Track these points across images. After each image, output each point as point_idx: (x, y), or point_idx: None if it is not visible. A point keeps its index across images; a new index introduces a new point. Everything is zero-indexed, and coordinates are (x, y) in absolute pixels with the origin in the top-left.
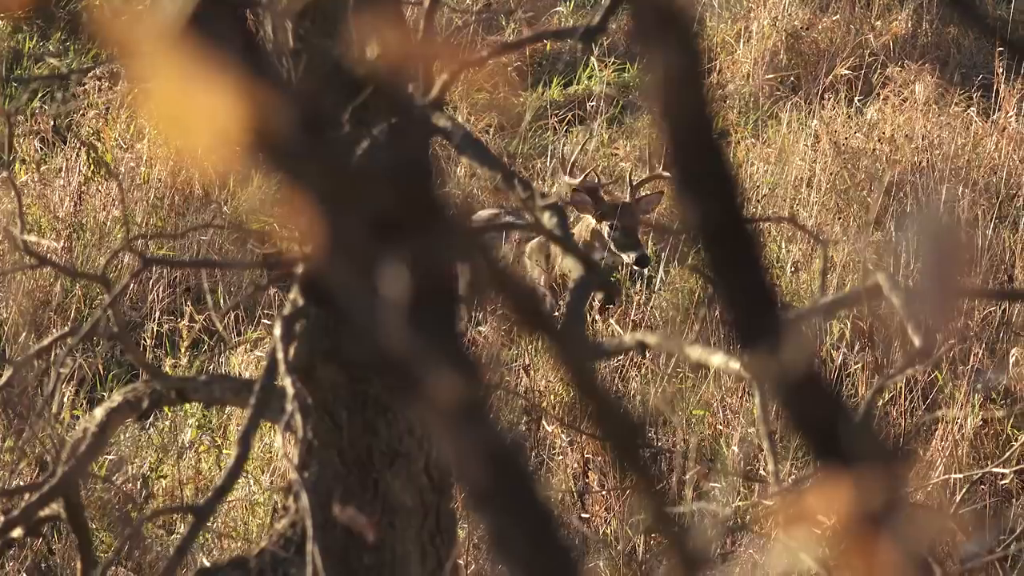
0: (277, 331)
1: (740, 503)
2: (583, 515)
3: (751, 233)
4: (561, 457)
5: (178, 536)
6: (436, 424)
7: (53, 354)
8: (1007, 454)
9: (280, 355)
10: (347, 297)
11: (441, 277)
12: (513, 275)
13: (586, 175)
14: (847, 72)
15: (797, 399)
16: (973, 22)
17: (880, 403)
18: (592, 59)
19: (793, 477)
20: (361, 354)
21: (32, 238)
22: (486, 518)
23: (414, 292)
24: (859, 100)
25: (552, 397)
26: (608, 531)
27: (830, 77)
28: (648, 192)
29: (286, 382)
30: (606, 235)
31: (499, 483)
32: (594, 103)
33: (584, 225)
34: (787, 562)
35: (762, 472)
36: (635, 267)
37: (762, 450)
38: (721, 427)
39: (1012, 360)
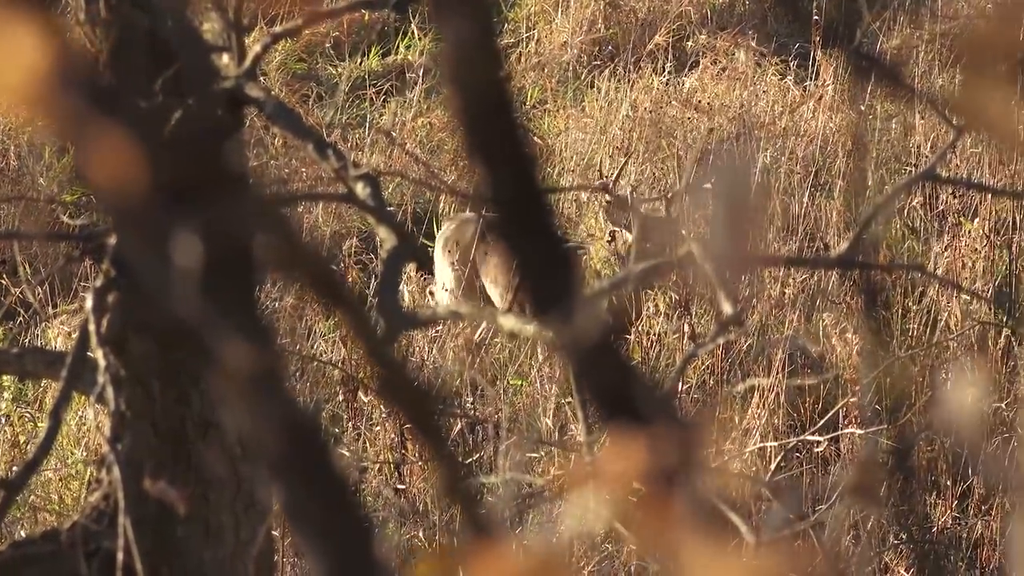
0: (88, 303)
1: (555, 472)
2: (399, 486)
3: (545, 201)
4: (378, 428)
5: None
6: (230, 393)
7: None
8: (822, 422)
9: (92, 327)
10: (141, 266)
11: (237, 247)
12: (310, 246)
13: (617, 175)
14: (665, 41)
15: (590, 365)
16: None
17: (696, 371)
18: (411, 28)
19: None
20: (159, 323)
21: None
22: (281, 488)
23: (209, 261)
24: (676, 69)
25: (370, 368)
26: (427, 501)
27: (648, 46)
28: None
29: (98, 354)
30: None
31: (294, 453)
32: (412, 73)
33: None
34: (578, 520)
35: (578, 440)
36: None
37: (577, 418)
38: (538, 396)
39: (811, 329)
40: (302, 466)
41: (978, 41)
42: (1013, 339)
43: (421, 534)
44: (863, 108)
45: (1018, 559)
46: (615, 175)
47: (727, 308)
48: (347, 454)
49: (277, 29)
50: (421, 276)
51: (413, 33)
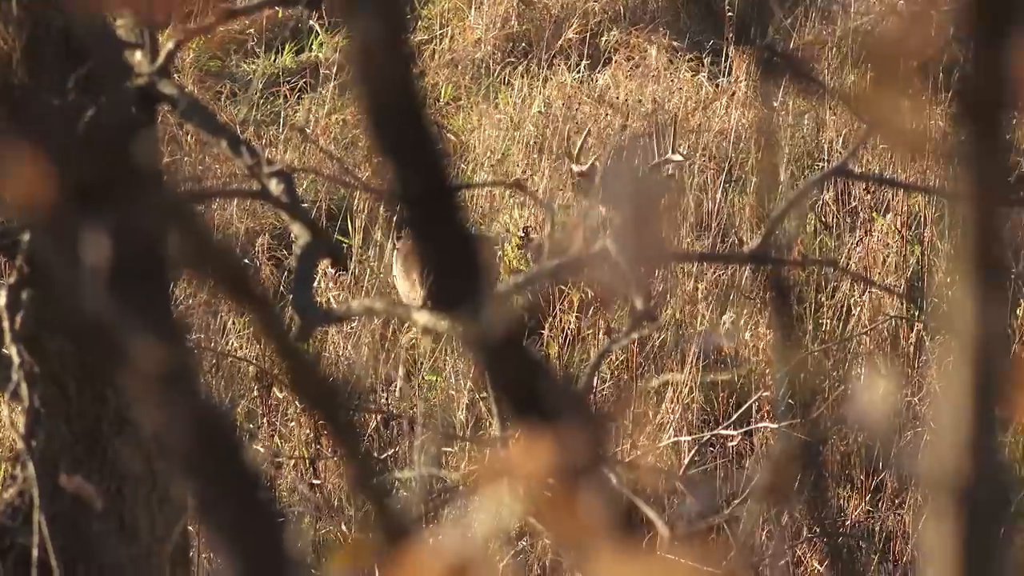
0: (2, 300)
1: (469, 467)
2: (314, 482)
3: (455, 198)
4: (293, 424)
5: None
6: (141, 391)
7: None
8: (735, 416)
9: (6, 324)
10: (51, 264)
11: (148, 245)
12: (219, 243)
13: (593, 160)
14: (578, 37)
15: (499, 360)
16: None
17: (611, 366)
18: (315, 25)
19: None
20: (71, 320)
21: None
22: (192, 484)
23: (118, 259)
24: (590, 66)
25: (280, 364)
26: (341, 497)
27: (560, 42)
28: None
29: (12, 351)
30: None
31: (204, 449)
32: (325, 70)
33: None
34: (492, 516)
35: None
36: None
37: (491, 413)
38: (453, 392)
39: (724, 324)
40: (213, 463)
41: (887, 39)
42: (924, 333)
43: (336, 529)
44: (773, 105)
45: (927, 551)
46: (577, 153)
47: (640, 304)
48: (262, 450)
49: (191, 26)
50: (336, 272)
51: (326, 30)
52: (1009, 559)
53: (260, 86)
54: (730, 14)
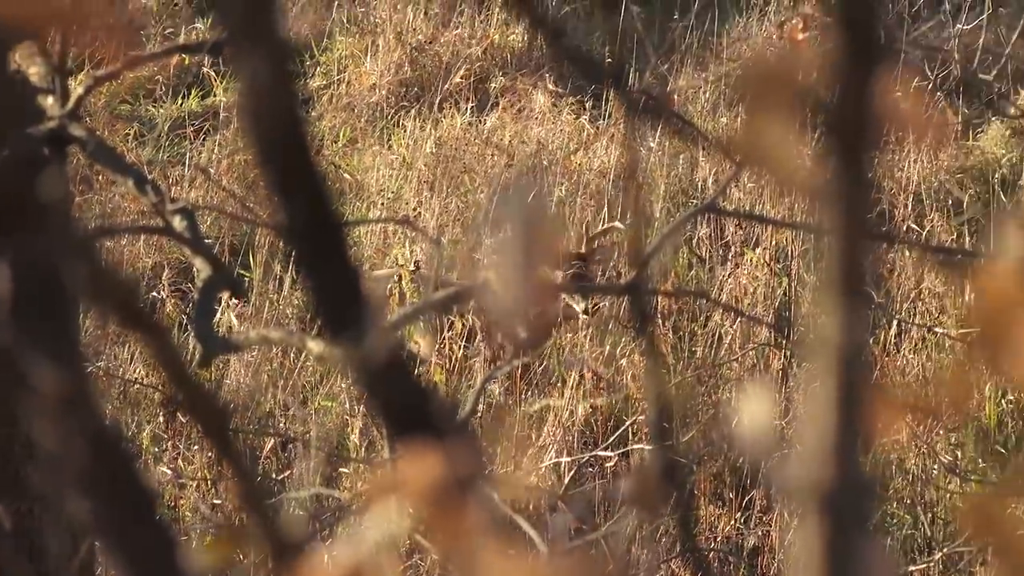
0: None
1: (362, 487)
2: (216, 501)
3: (339, 232)
4: (196, 447)
5: None
6: (41, 414)
7: None
8: (612, 438)
9: None
10: None
11: (50, 276)
12: (118, 276)
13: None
14: (467, 83)
15: (381, 386)
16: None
17: (498, 392)
18: (210, 72)
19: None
20: None
21: None
22: (88, 504)
23: (21, 290)
24: (478, 109)
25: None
26: (243, 516)
27: (450, 87)
28: (602, 243)
29: None
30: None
31: (99, 469)
32: (226, 114)
33: None
34: (380, 531)
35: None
36: (584, 316)
37: (382, 436)
38: (347, 417)
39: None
40: (109, 483)
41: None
42: (790, 360)
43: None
44: (639, 147)
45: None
46: (598, 232)
47: (522, 333)
48: (167, 472)
49: (100, 72)
50: (237, 304)
51: (226, 76)
52: (869, 565)
53: (166, 128)
54: (609, 59)
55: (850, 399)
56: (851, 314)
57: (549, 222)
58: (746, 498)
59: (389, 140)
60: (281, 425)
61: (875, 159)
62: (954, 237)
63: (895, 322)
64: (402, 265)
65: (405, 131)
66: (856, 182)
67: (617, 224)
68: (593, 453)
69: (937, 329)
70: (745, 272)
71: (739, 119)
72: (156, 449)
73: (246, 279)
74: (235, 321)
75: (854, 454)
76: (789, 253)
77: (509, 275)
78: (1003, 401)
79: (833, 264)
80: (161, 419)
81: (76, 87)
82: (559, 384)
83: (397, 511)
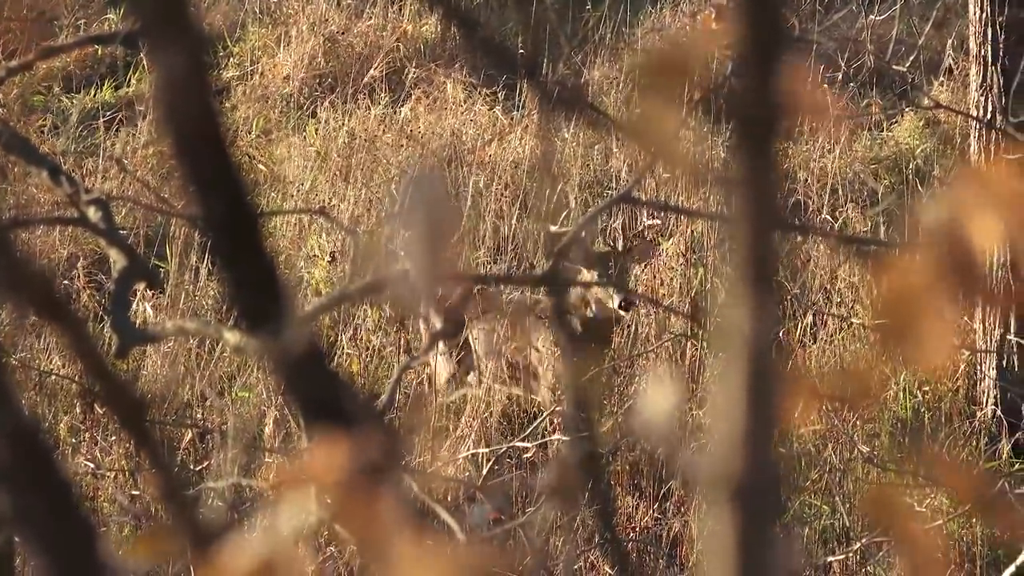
0: None
1: (277, 477)
2: (134, 492)
3: (255, 223)
4: (114, 438)
5: None
6: None
7: None
8: (530, 429)
9: None
10: None
11: None
12: (33, 268)
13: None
14: (381, 74)
15: (298, 377)
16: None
17: (413, 382)
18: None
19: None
20: None
21: None
22: (8, 494)
23: None
24: (392, 100)
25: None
26: (160, 506)
27: (364, 78)
28: (639, 242)
29: None
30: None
31: (18, 460)
32: (140, 106)
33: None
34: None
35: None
36: (620, 309)
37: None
38: (264, 407)
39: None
40: (26, 474)
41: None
42: (705, 351)
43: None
44: (554, 137)
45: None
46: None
47: (438, 323)
48: (84, 462)
49: (12, 63)
50: (153, 296)
51: (140, 68)
52: (780, 552)
53: (80, 119)
54: (522, 51)
55: (761, 389)
56: (761, 304)
57: (456, 212)
58: (664, 488)
59: (303, 131)
60: (198, 416)
61: (782, 149)
62: (869, 227)
63: (810, 312)
64: (316, 255)
65: (319, 122)
66: (763, 171)
67: (655, 221)
68: (511, 444)
69: (852, 320)
70: (660, 263)
71: (635, 106)
72: (74, 440)
73: (162, 270)
74: (151, 312)
75: (766, 444)
76: (704, 243)
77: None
78: (918, 391)
79: (742, 254)
80: (78, 410)
81: None
82: (476, 374)
83: (312, 501)
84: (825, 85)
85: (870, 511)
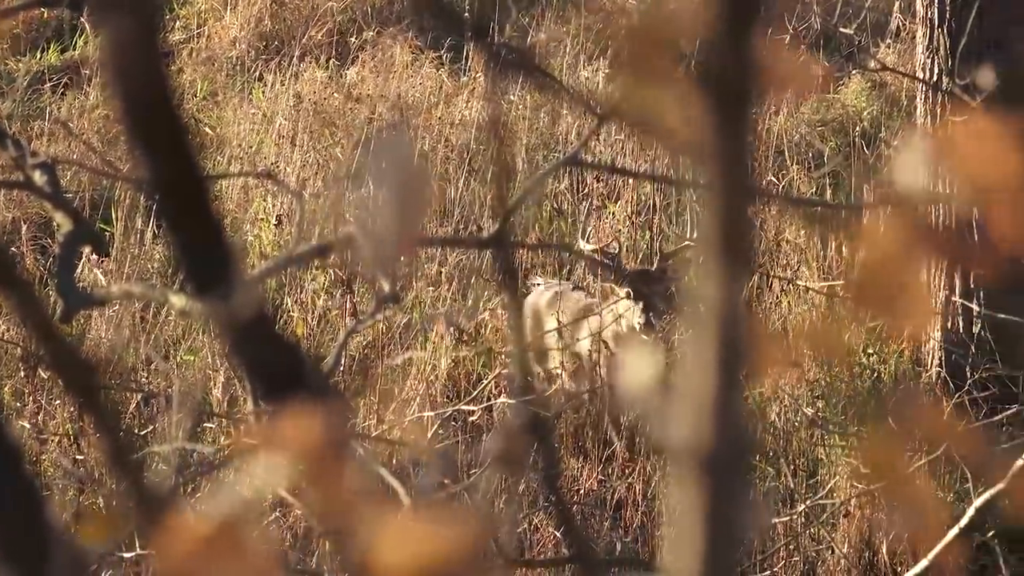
0: None
1: (224, 441)
2: (78, 456)
3: (201, 186)
4: (58, 402)
5: None
6: None
7: None
8: (476, 392)
9: None
10: None
11: None
12: None
13: (607, 244)
14: (328, 37)
15: (245, 341)
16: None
17: (358, 345)
18: (79, 24)
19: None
20: None
21: None
22: None
23: None
24: (339, 63)
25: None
26: (103, 470)
27: (311, 41)
28: (671, 263)
29: None
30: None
31: None
32: (87, 69)
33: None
34: (256, 488)
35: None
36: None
37: (245, 391)
38: (210, 371)
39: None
40: None
41: (628, 33)
42: (651, 315)
43: (97, 501)
44: (501, 100)
45: (672, 512)
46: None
47: (386, 286)
48: (28, 426)
49: None
50: (98, 259)
51: (85, 31)
52: (747, 518)
53: (25, 82)
54: (468, 14)
55: (728, 356)
56: (732, 274)
57: (423, 177)
58: (608, 451)
59: (250, 94)
60: (144, 380)
61: (754, 115)
62: (815, 190)
63: (756, 275)
64: (262, 219)
65: (266, 85)
66: (736, 140)
67: (690, 242)
68: (456, 407)
69: (799, 282)
70: (607, 225)
71: (605, 74)
72: (18, 404)
73: (107, 234)
74: (98, 275)
75: (732, 410)
76: (651, 206)
77: (383, 229)
78: (865, 354)
79: (712, 223)
80: (22, 373)
81: None
82: (422, 338)
83: (262, 466)
84: (783, 47)
85: (864, 467)
